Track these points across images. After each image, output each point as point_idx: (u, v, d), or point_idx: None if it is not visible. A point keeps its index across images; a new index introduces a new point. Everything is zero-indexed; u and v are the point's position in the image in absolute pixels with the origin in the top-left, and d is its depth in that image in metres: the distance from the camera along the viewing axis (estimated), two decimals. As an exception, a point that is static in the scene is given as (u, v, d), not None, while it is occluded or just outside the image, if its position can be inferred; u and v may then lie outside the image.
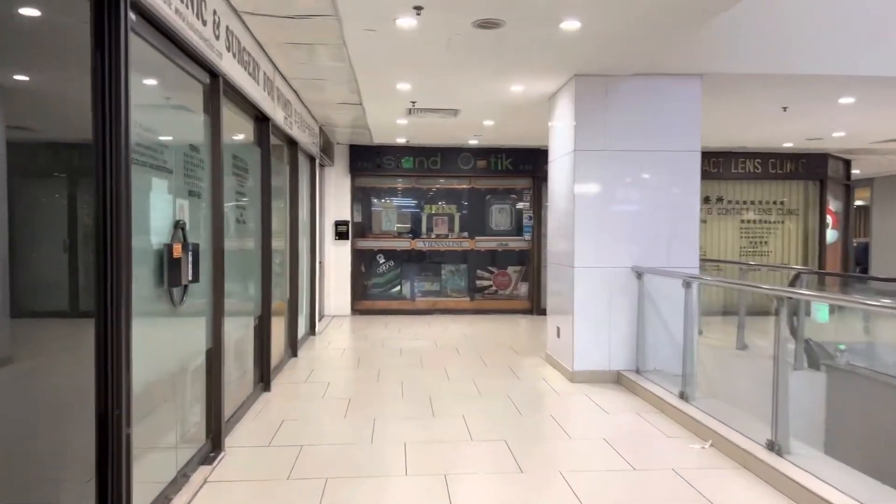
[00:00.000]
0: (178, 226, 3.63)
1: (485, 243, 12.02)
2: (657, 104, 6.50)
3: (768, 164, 12.04)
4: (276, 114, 6.27)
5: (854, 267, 14.40)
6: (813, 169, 12.11)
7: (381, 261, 12.05)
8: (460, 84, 6.93)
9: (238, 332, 5.45)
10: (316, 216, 9.51)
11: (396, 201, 12.21)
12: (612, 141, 6.49)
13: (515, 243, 12.07)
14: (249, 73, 5.15)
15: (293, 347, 7.79)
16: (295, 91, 7.29)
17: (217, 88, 4.39)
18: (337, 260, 11.60)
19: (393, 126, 9.56)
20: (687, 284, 5.34)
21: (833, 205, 12.83)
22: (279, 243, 7.27)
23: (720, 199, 12.21)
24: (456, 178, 11.90)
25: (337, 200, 11.59)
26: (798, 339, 6.63)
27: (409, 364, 7.37)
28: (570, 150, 6.65)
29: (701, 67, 6.31)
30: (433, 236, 12.01)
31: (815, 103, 7.85)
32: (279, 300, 7.32)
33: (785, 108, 8.01)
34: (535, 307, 11.92)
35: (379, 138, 10.83)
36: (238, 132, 5.45)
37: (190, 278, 3.75)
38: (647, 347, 6.42)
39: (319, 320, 10.67)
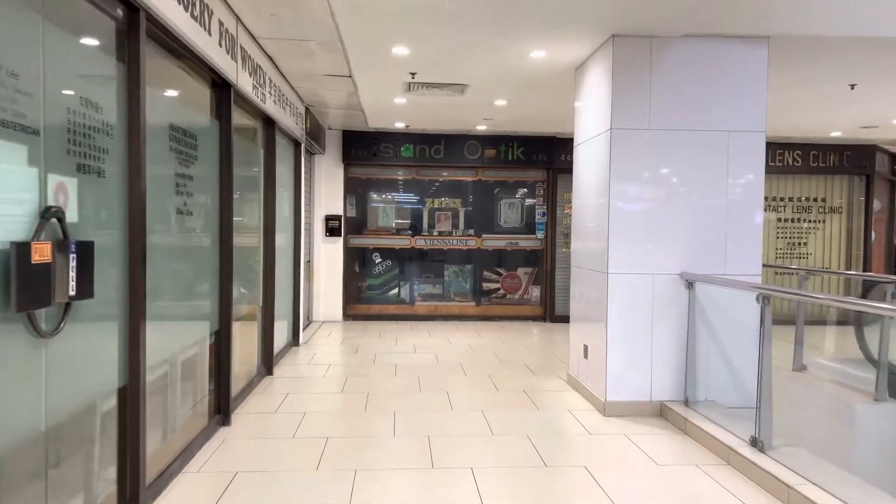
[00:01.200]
0: (49, 215, 2.41)
1: (493, 242, 10.80)
2: (714, 72, 5.26)
3: (809, 156, 10.78)
4: (242, 80, 5.05)
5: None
6: (859, 162, 10.85)
7: (378, 260, 10.83)
8: (469, 49, 5.70)
9: (184, 354, 4.24)
10: (301, 209, 8.29)
11: (395, 194, 11.00)
12: (658, 118, 5.26)
13: (527, 242, 10.84)
14: (195, 17, 3.92)
15: (268, 364, 6.57)
16: (271, 58, 6.07)
17: (136, 26, 3.17)
18: (328, 259, 10.38)
19: (390, 107, 8.33)
20: (765, 299, 4.10)
21: (874, 203, 11.57)
22: (250, 240, 6.04)
23: (755, 195, 10.93)
24: (461, 169, 10.67)
25: (328, 193, 10.36)
26: (881, 366, 5.41)
27: (404, 387, 6.16)
28: (604, 128, 5.42)
29: (769, 27, 5.07)
30: (435, 234, 10.79)
31: (887, 81, 6.61)
32: (249, 307, 6.10)
33: (853, 86, 6.77)
34: (549, 313, 10.69)
35: (375, 122, 9.61)
36: (184, 98, 4.22)
37: (73, 293, 2.53)
38: (698, 373, 5.20)
39: (306, 327, 9.46)
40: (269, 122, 6.44)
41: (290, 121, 7.19)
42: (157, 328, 3.64)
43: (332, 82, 7.00)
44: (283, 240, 7.55)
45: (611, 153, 5.26)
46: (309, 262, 10.11)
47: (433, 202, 10.92)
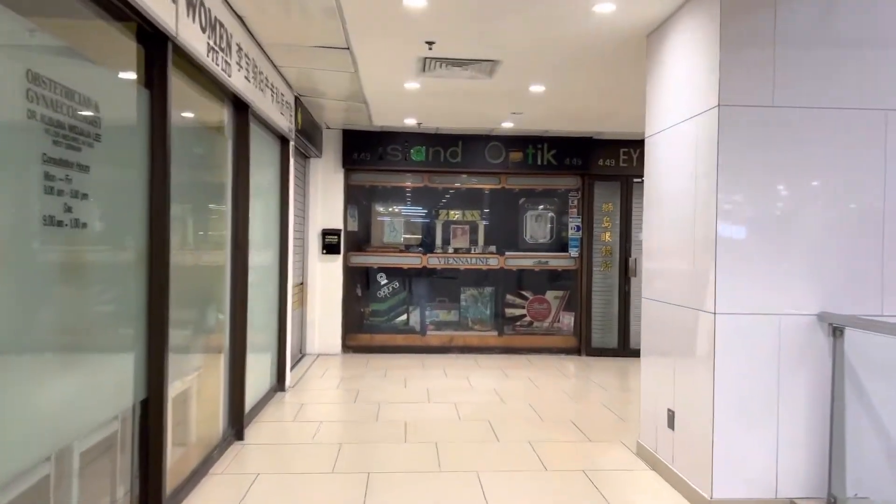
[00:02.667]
0: None
1: (517, 261, 9.21)
2: (869, 27, 3.70)
3: None
4: (187, 33, 3.49)
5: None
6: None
7: (383, 281, 9.25)
8: (507, 3, 4.15)
9: (83, 443, 2.66)
10: (290, 222, 6.73)
11: (403, 205, 9.44)
12: (785, 91, 3.68)
13: (557, 261, 9.24)
14: None
15: (237, 425, 4.98)
16: (241, 18, 4.53)
17: None
18: (325, 281, 8.80)
19: (400, 97, 6.79)
20: None
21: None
22: (211, 260, 4.48)
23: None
24: (482, 175, 9.11)
25: (326, 203, 8.81)
26: None
27: (418, 461, 4.55)
28: (703, 107, 3.84)
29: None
30: (450, 251, 9.21)
31: None
32: (206, 354, 4.52)
33: None
34: (584, 345, 9.07)
35: (381, 119, 8.07)
36: (78, 47, 2.67)
37: None
38: (848, 460, 3.58)
39: (297, 363, 7.87)
40: (240, 107, 4.90)
41: (272, 109, 5.65)
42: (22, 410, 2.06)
43: (327, 58, 5.45)
44: (264, 259, 5.99)
45: (718, 141, 3.67)
46: (301, 284, 8.55)
47: (448, 214, 9.35)
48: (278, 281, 6.59)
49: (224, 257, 4.75)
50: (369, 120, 8.11)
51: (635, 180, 9.09)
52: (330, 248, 8.75)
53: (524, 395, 6.57)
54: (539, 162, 8.93)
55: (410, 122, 8.14)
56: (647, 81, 4.71)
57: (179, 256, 3.67)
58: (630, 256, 9.07)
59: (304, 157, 8.45)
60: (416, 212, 9.50)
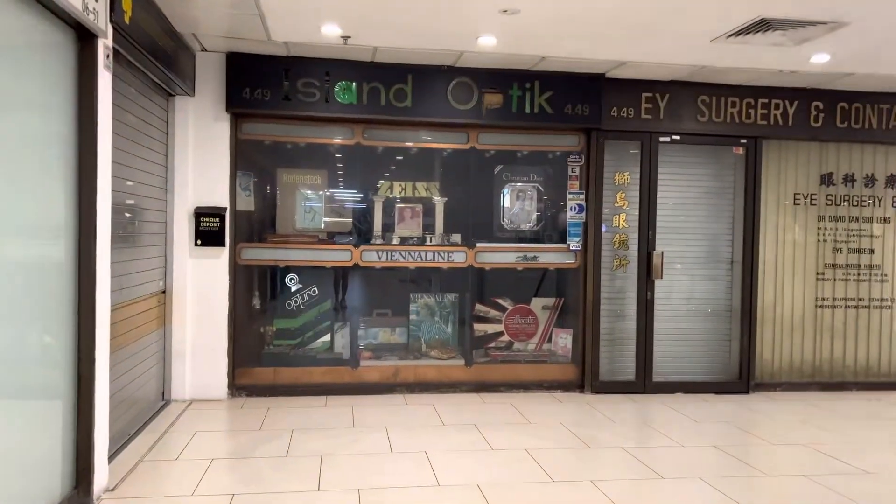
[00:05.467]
0: None
1: (493, 256, 6.30)
2: None
3: None
4: None
5: None
6: None
7: (295, 287, 6.22)
8: None
9: None
10: (97, 187, 3.63)
11: (325, 173, 6.39)
12: None
13: (550, 256, 6.38)
14: None
15: None
16: None
17: None
18: (201, 286, 5.69)
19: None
20: None
21: None
22: None
23: (917, 181, 6.80)
24: (442, 128, 6.14)
25: (202, 167, 5.68)
26: None
27: None
28: None
29: None
30: (395, 242, 6.23)
31: None
32: None
33: None
34: (591, 377, 6.24)
35: (284, 28, 4.99)
36: None
37: None
38: None
39: (145, 424, 4.74)
40: None
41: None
42: None
43: None
44: (33, 255, 2.91)
45: None
46: (163, 292, 5.43)
47: (392, 188, 6.37)
48: (74, 293, 3.49)
49: None
50: (265, 32, 5.03)
51: (662, 139, 6.31)
52: (208, 238, 5.64)
53: (530, 498, 3.68)
54: (527, 109, 6.01)
55: (331, 32, 5.06)
56: None
57: None
58: (654, 250, 6.30)
59: (164, 93, 5.31)
60: (346, 183, 6.46)
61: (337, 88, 5.76)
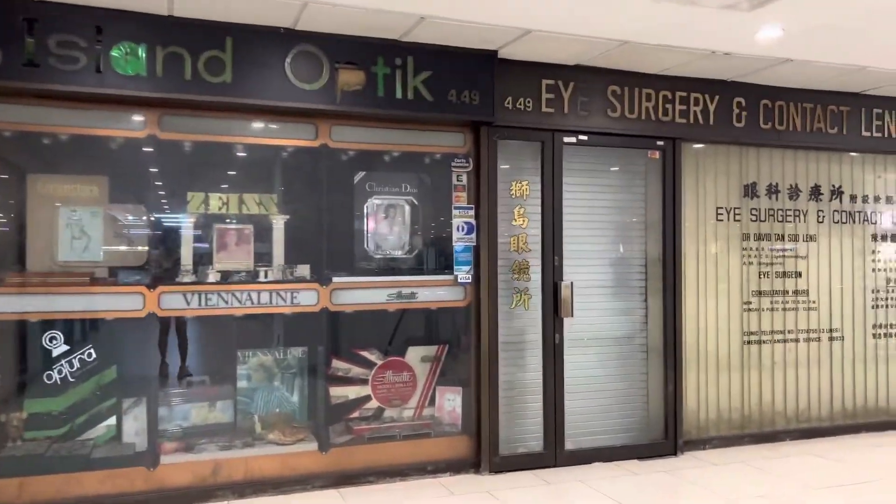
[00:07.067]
0: None
1: (354, 294, 4.60)
2: None
3: None
4: None
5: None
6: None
7: (57, 349, 4.13)
8: None
9: None
10: None
11: (102, 180, 4.36)
12: None
13: (432, 292, 4.76)
14: None
15: None
16: None
17: None
18: None
19: None
20: None
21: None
22: None
23: (838, 192, 5.92)
24: (280, 115, 4.36)
25: None
26: None
27: None
28: None
29: None
30: (213, 278, 4.34)
31: None
32: None
33: None
34: (488, 450, 4.68)
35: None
36: None
37: None
38: None
39: None
40: None
41: None
42: None
43: None
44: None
45: None
46: None
47: (209, 202, 4.47)
48: None
49: None
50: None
51: (567, 139, 4.95)
52: None
53: None
54: (398, 94, 4.40)
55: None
56: None
57: None
58: (562, 280, 4.90)
59: None
60: (136, 196, 4.46)
61: (115, 53, 3.84)
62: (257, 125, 4.40)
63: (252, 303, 4.34)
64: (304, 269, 4.49)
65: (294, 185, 4.75)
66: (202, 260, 4.43)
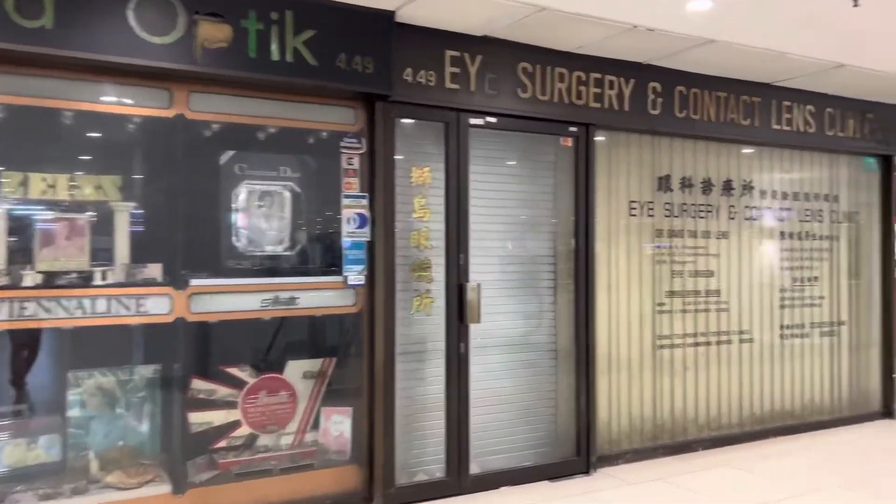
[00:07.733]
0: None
1: (221, 300, 3.77)
2: None
3: (824, 116, 5.87)
4: None
5: None
6: (889, 128, 6.26)
7: None
8: None
9: None
10: None
11: None
12: None
13: (316, 296, 4.01)
14: None
15: None
16: None
17: None
18: None
19: None
20: None
21: None
22: None
23: (749, 187, 5.67)
24: (121, 75, 3.46)
25: None
26: None
27: None
28: None
29: None
30: (34, 281, 3.39)
31: None
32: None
33: None
34: (382, 483, 3.99)
35: None
36: None
37: None
38: None
39: None
40: None
41: None
42: None
43: None
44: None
45: None
46: None
47: (29, 184, 3.50)
48: None
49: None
50: None
51: (474, 120, 4.34)
52: None
53: None
54: (274, 56, 3.61)
55: None
56: None
57: None
58: (468, 281, 4.30)
59: None
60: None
61: None
62: (93, 87, 3.47)
63: (84, 312, 3.43)
64: (154, 270, 3.62)
65: (143, 165, 3.84)
66: (20, 257, 3.46)
